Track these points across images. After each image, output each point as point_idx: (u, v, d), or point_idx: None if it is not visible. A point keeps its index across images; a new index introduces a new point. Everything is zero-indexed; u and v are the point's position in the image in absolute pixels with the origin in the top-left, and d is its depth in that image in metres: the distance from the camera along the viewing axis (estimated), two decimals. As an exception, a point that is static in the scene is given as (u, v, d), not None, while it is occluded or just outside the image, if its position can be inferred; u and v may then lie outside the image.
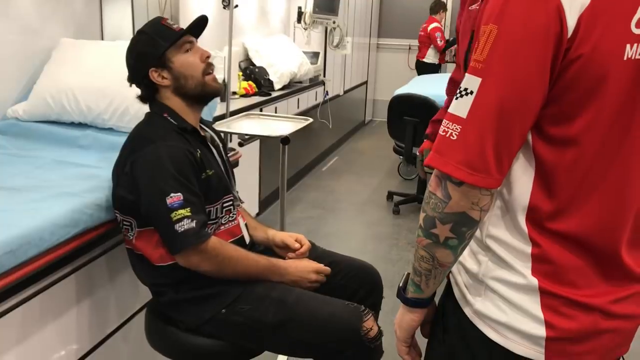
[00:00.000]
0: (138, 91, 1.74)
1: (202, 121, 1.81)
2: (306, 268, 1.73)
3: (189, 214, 1.52)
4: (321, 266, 1.76)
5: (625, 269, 0.98)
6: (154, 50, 1.65)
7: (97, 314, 1.79)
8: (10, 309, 1.43)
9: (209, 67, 1.71)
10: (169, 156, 1.55)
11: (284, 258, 1.83)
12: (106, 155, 2.03)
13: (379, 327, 1.61)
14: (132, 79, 1.73)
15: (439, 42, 7.08)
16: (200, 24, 1.73)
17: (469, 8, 1.98)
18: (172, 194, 1.51)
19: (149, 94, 1.71)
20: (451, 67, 7.89)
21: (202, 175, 1.62)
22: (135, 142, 1.64)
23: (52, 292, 1.57)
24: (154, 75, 1.66)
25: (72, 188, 1.73)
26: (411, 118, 4.28)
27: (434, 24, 7.12)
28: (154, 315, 1.73)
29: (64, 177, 1.84)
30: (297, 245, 1.85)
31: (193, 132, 1.69)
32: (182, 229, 1.51)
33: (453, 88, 2.11)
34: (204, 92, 1.70)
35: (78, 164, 1.97)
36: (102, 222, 1.71)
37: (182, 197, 1.51)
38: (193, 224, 1.52)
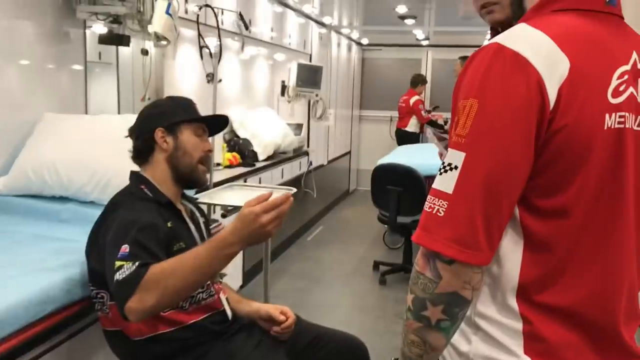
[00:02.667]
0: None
1: (184, 196, 1.80)
2: (245, 217, 1.37)
3: (130, 263, 1.37)
4: (258, 198, 1.41)
5: (622, 344, 0.95)
6: (172, 114, 1.72)
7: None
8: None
9: (206, 159, 1.76)
10: (136, 219, 1.50)
11: (269, 331, 1.78)
12: (87, 229, 1.97)
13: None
14: (135, 129, 1.74)
15: (423, 114, 7.27)
16: (221, 124, 1.84)
17: None
18: (123, 245, 1.41)
19: (142, 150, 1.72)
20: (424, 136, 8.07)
21: (175, 247, 1.58)
22: (107, 212, 1.63)
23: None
24: (158, 134, 1.69)
25: (49, 263, 1.70)
26: (395, 187, 4.31)
27: (416, 97, 7.34)
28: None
29: (42, 252, 1.81)
30: (282, 317, 1.80)
31: (168, 205, 1.67)
32: (122, 277, 1.36)
33: None
34: (191, 176, 1.73)
35: (57, 238, 1.94)
36: (78, 298, 1.66)
37: (128, 249, 1.39)
38: (133, 267, 1.36)
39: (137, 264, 1.36)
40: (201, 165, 1.73)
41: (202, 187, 1.79)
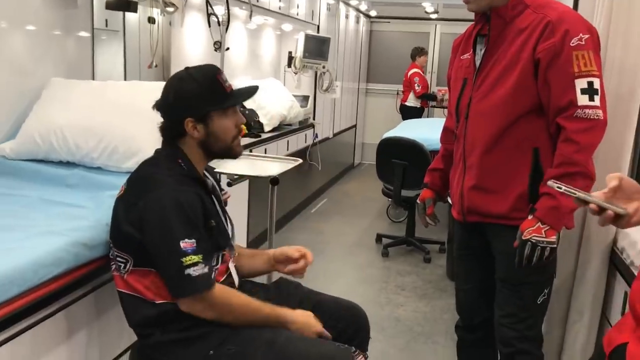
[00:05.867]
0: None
1: (206, 168, 1.80)
2: (312, 327, 1.67)
3: (201, 260, 1.52)
4: (324, 332, 1.69)
5: None
6: (200, 106, 1.63)
7: (82, 354, 1.74)
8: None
9: (239, 133, 1.73)
10: (185, 201, 1.55)
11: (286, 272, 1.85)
12: (93, 194, 2.02)
13: (369, 370, 1.59)
14: (161, 112, 1.68)
15: (416, 87, 7.29)
16: (251, 93, 1.77)
17: (461, 57, 2.03)
18: (186, 239, 1.51)
19: (172, 134, 1.69)
20: (435, 111, 8.05)
21: (208, 225, 1.62)
22: (147, 181, 1.62)
23: (34, 332, 1.52)
24: (189, 125, 1.64)
25: (57, 227, 1.71)
26: (400, 161, 4.31)
27: (414, 70, 7.35)
28: (139, 357, 1.68)
29: (50, 216, 1.82)
30: (296, 254, 1.85)
31: (200, 181, 1.69)
32: (195, 274, 1.51)
33: (447, 136, 2.14)
34: (227, 154, 1.74)
35: (64, 203, 1.95)
36: (86, 261, 1.68)
37: (195, 243, 1.52)
38: (206, 270, 1.53)
39: (206, 269, 1.54)
40: (236, 141, 1.72)
41: (238, 157, 1.78)
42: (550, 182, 1.18)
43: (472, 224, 1.98)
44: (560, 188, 1.13)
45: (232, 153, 1.73)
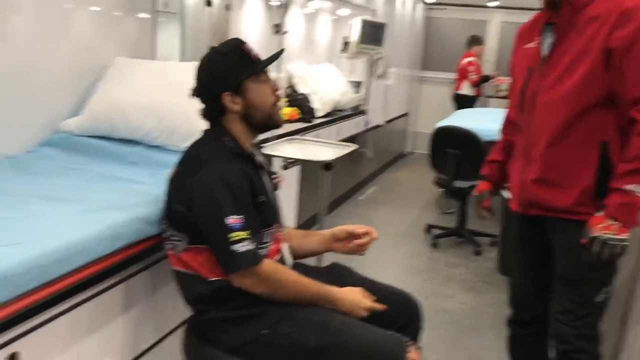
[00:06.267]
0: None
1: (254, 145, 1.82)
2: (359, 303, 1.66)
3: (248, 236, 1.54)
4: (375, 305, 1.68)
5: None
6: (233, 77, 1.66)
7: (138, 327, 1.80)
8: (54, 317, 1.43)
9: (277, 99, 1.73)
10: (231, 178, 1.57)
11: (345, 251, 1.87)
12: (153, 171, 2.06)
13: (421, 361, 1.58)
14: (199, 95, 1.72)
15: (472, 76, 7.12)
16: (277, 56, 1.77)
17: (525, 46, 1.97)
18: (233, 215, 1.54)
19: (214, 114, 1.72)
20: (490, 101, 7.86)
21: (256, 201, 1.64)
22: (196, 161, 1.66)
23: (96, 303, 1.58)
24: (227, 100, 1.67)
25: (119, 202, 1.76)
26: (454, 151, 4.24)
27: (469, 58, 7.18)
28: (193, 333, 1.72)
29: (112, 191, 1.87)
30: (361, 229, 1.86)
31: (248, 158, 1.70)
32: (241, 250, 1.53)
33: (509, 127, 2.09)
34: (269, 123, 1.74)
35: (126, 179, 2.00)
36: (147, 236, 1.72)
37: (242, 220, 1.54)
38: (251, 246, 1.55)
39: (253, 245, 1.55)
40: (275, 107, 1.73)
41: (281, 126, 1.80)
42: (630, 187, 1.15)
43: (532, 217, 1.93)
44: None
45: (273, 120, 1.73)
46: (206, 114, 1.74)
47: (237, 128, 1.71)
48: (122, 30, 2.72)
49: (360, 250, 1.88)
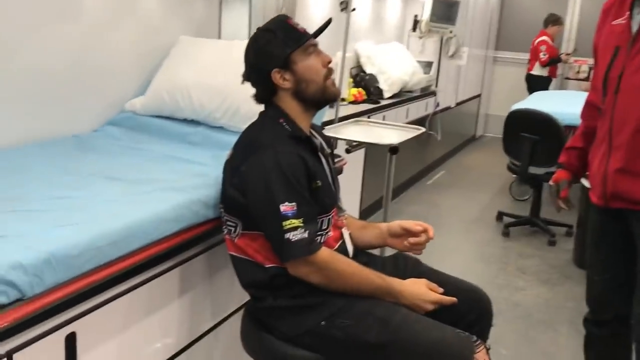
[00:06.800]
0: (251, 90, 1.70)
1: (312, 126, 1.75)
2: (423, 296, 1.57)
3: (301, 224, 1.48)
4: (442, 298, 1.59)
5: None
6: (279, 51, 1.60)
7: (195, 310, 1.78)
8: (111, 299, 1.42)
9: (330, 72, 1.66)
10: (286, 163, 1.51)
11: (402, 250, 1.77)
12: (215, 153, 2.03)
13: (490, 362, 1.46)
14: (249, 77, 1.67)
15: (542, 56, 6.75)
16: (325, 26, 1.68)
17: (612, 23, 1.78)
18: (286, 202, 1.48)
19: (266, 94, 1.67)
20: (569, 83, 7.45)
21: (312, 186, 1.57)
22: (251, 145, 1.61)
23: (153, 286, 1.56)
24: (277, 77, 1.61)
25: (179, 183, 1.74)
26: (530, 135, 4.01)
27: (542, 38, 6.81)
28: (250, 319, 1.68)
29: (173, 171, 1.85)
30: (418, 227, 1.75)
31: (306, 140, 1.63)
32: (295, 239, 1.47)
33: (590, 112, 1.92)
34: (324, 97, 1.66)
35: (187, 160, 1.98)
36: (206, 219, 1.69)
37: (295, 207, 1.48)
38: (305, 235, 1.48)
39: (307, 233, 1.48)
40: (329, 80, 1.65)
41: (337, 99, 1.71)
42: None
43: (614, 210, 1.78)
44: None
45: (327, 94, 1.64)
46: (259, 96, 1.68)
47: (292, 107, 1.64)
48: (189, 8, 2.70)
49: (415, 249, 1.76)
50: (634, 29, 1.68)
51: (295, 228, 1.47)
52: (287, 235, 1.47)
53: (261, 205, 1.51)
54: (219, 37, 2.88)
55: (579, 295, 2.09)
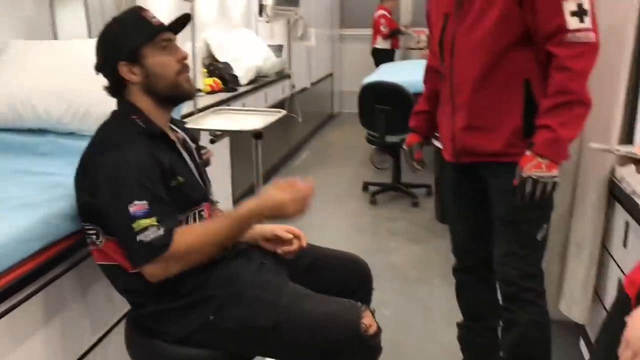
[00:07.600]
0: (101, 91, 1.61)
1: (173, 121, 1.69)
2: (273, 198, 1.53)
3: (155, 223, 1.40)
4: (303, 188, 1.58)
5: None
6: (127, 43, 1.52)
7: (71, 332, 1.66)
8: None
9: (184, 69, 1.59)
10: (135, 161, 1.43)
11: (273, 253, 1.73)
12: (70, 160, 1.86)
13: (377, 324, 1.53)
14: (99, 69, 1.58)
15: (382, 28, 7.20)
16: (183, 21, 1.62)
17: None
18: (135, 202, 1.39)
19: (116, 88, 1.58)
20: (412, 53, 7.92)
21: (172, 183, 1.50)
22: (98, 144, 1.52)
23: (18, 313, 1.43)
24: (124, 70, 1.53)
25: (34, 198, 1.60)
26: (383, 106, 4.21)
27: (380, 12, 7.27)
28: (134, 327, 1.60)
29: (25, 187, 1.71)
30: (289, 235, 1.74)
31: (162, 137, 1.57)
32: (148, 239, 1.39)
33: (431, 76, 2.04)
34: (175, 93, 1.59)
35: (39, 173, 1.83)
36: (70, 233, 1.58)
37: (147, 205, 1.40)
38: (161, 232, 1.41)
39: (162, 230, 1.41)
40: (181, 77, 1.58)
41: (192, 98, 1.63)
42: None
43: (465, 165, 1.92)
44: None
45: (180, 90, 1.57)
46: (110, 90, 1.60)
47: (144, 103, 1.56)
48: (16, 10, 2.47)
49: (287, 256, 1.74)
50: None
51: (146, 228, 1.39)
52: (139, 237, 1.39)
53: (110, 208, 1.43)
54: (55, 37, 2.67)
55: (446, 248, 2.24)
